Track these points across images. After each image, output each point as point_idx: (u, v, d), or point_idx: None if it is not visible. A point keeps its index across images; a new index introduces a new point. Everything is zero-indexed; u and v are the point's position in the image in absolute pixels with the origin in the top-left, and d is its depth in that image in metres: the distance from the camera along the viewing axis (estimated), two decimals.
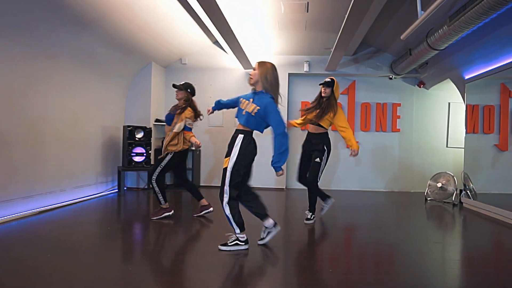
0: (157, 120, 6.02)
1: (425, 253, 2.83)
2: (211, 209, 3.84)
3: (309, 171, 3.57)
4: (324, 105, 3.55)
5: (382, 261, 2.73)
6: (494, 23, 3.60)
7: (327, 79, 3.59)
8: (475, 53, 4.58)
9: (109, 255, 2.68)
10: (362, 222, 4.10)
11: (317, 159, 3.53)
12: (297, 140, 6.38)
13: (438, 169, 6.05)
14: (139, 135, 5.44)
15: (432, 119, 6.32)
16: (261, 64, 2.68)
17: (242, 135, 2.64)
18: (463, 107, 6.02)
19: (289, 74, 6.25)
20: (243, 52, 5.37)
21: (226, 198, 2.60)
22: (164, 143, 3.64)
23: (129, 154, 5.32)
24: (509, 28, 3.79)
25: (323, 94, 3.60)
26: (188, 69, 6.37)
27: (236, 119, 2.78)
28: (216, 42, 6.22)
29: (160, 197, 3.64)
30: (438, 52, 4.60)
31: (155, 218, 3.66)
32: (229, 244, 2.68)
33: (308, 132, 3.71)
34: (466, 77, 4.99)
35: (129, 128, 5.34)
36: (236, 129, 2.72)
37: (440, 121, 6.31)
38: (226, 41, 4.88)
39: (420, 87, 6.24)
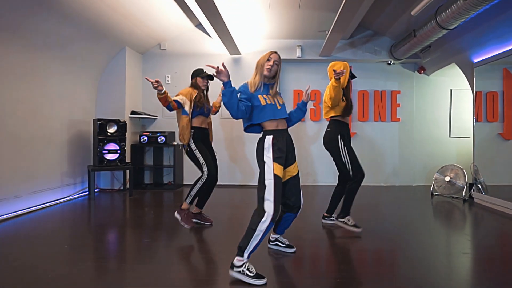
0: (133, 113, 5.33)
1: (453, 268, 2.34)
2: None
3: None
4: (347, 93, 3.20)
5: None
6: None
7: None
8: (486, 34, 4.16)
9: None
10: (367, 223, 3.42)
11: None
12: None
13: (441, 160, 5.66)
14: (112, 130, 4.77)
15: (433, 107, 5.90)
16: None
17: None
18: (466, 93, 5.65)
19: None
20: (230, 35, 4.78)
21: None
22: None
23: (101, 151, 4.64)
24: None
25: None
26: (168, 56, 5.72)
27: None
28: (199, 25, 5.60)
29: None
30: (443, 35, 4.24)
31: None
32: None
33: (345, 124, 3.21)
34: (475, 61, 4.57)
35: (100, 122, 4.67)
36: (284, 129, 2.21)
37: (442, 109, 5.89)
38: (210, 23, 4.27)
39: (420, 73, 5.80)
